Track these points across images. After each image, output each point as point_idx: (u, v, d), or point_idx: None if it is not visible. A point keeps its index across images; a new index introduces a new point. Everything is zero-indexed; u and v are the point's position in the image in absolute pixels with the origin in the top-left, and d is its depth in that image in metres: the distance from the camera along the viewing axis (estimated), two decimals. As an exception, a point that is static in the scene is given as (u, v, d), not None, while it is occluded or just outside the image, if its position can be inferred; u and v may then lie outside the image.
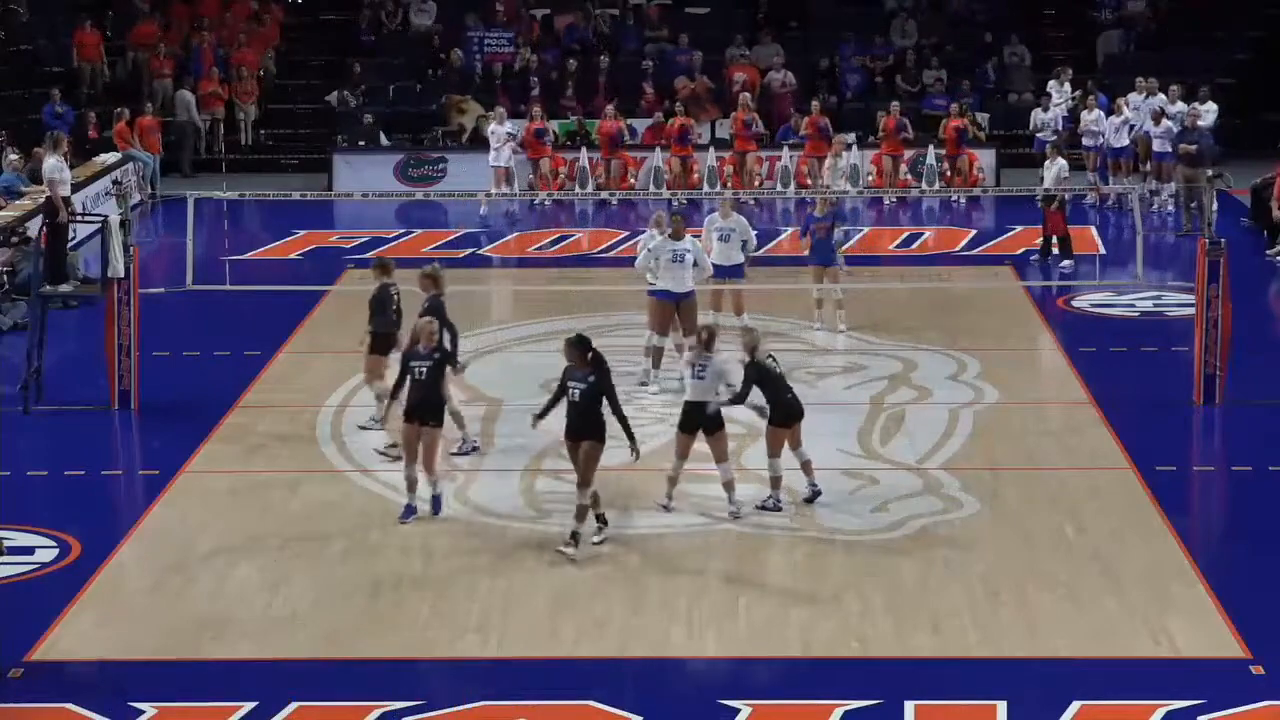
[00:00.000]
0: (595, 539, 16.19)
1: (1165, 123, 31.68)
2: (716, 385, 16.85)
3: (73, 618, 14.91)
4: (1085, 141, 33.16)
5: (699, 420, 16.92)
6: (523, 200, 33.07)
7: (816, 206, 23.93)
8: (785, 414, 17.08)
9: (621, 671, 13.98)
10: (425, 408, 16.59)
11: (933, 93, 37.13)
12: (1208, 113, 31.86)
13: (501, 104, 34.62)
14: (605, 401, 16.03)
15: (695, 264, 20.93)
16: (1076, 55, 38.32)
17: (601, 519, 16.31)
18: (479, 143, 35.44)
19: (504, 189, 32.51)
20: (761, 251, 27.69)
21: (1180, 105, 32.42)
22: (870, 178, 34.21)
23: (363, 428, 19.55)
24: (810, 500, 17.26)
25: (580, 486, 16.04)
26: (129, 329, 20.33)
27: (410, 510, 16.81)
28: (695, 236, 21.74)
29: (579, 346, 16.10)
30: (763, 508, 17.06)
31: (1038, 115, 33.94)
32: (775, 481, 17.17)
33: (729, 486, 17.01)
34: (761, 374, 17.07)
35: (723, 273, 22.02)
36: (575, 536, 15.98)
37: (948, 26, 39.57)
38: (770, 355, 17.31)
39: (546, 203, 33.47)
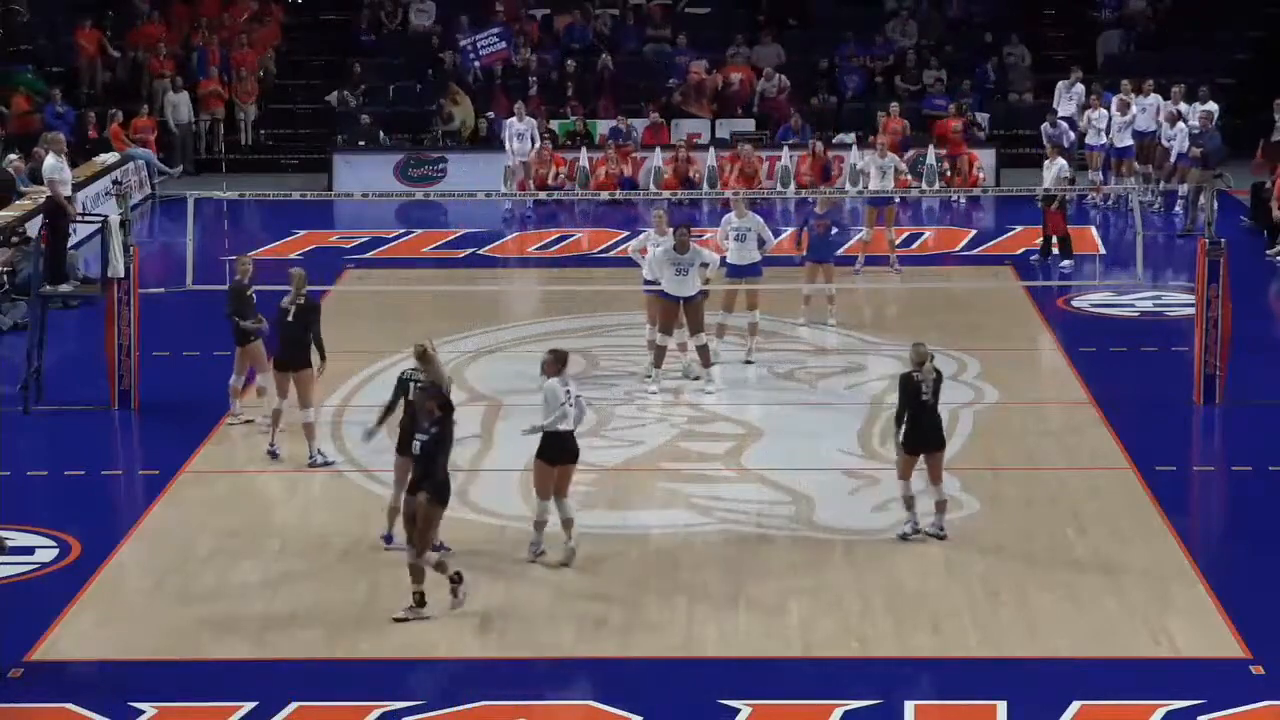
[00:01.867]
0: (456, 602, 14.77)
1: (1180, 125, 31.65)
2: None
3: (73, 618, 14.90)
4: (1089, 140, 33.12)
5: (567, 451, 15.73)
6: (521, 201, 33.03)
7: (818, 204, 23.98)
8: (913, 440, 16.19)
9: (621, 671, 13.98)
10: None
11: (933, 93, 37.12)
12: (1210, 112, 31.85)
13: (501, 105, 34.65)
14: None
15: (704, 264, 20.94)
16: (1076, 55, 38.29)
17: (456, 577, 14.80)
18: (479, 143, 35.45)
19: (519, 182, 32.55)
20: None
21: (1183, 105, 32.42)
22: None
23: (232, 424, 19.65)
24: (937, 536, 16.29)
25: (414, 545, 14.59)
26: (129, 329, 20.33)
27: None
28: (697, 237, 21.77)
29: (436, 397, 14.83)
30: (902, 535, 16.32)
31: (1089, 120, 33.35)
32: (908, 502, 16.32)
33: (569, 525, 15.80)
34: (909, 392, 16.19)
35: (740, 271, 22.00)
36: (422, 598, 14.62)
37: (948, 26, 39.55)
38: (926, 381, 16.10)
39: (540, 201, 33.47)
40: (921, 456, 16.29)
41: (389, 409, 16.22)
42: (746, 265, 22.01)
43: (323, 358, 18.50)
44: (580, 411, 15.78)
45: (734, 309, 22.13)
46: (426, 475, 14.60)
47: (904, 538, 16.33)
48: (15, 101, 34.75)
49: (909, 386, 16.22)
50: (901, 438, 16.27)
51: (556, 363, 15.75)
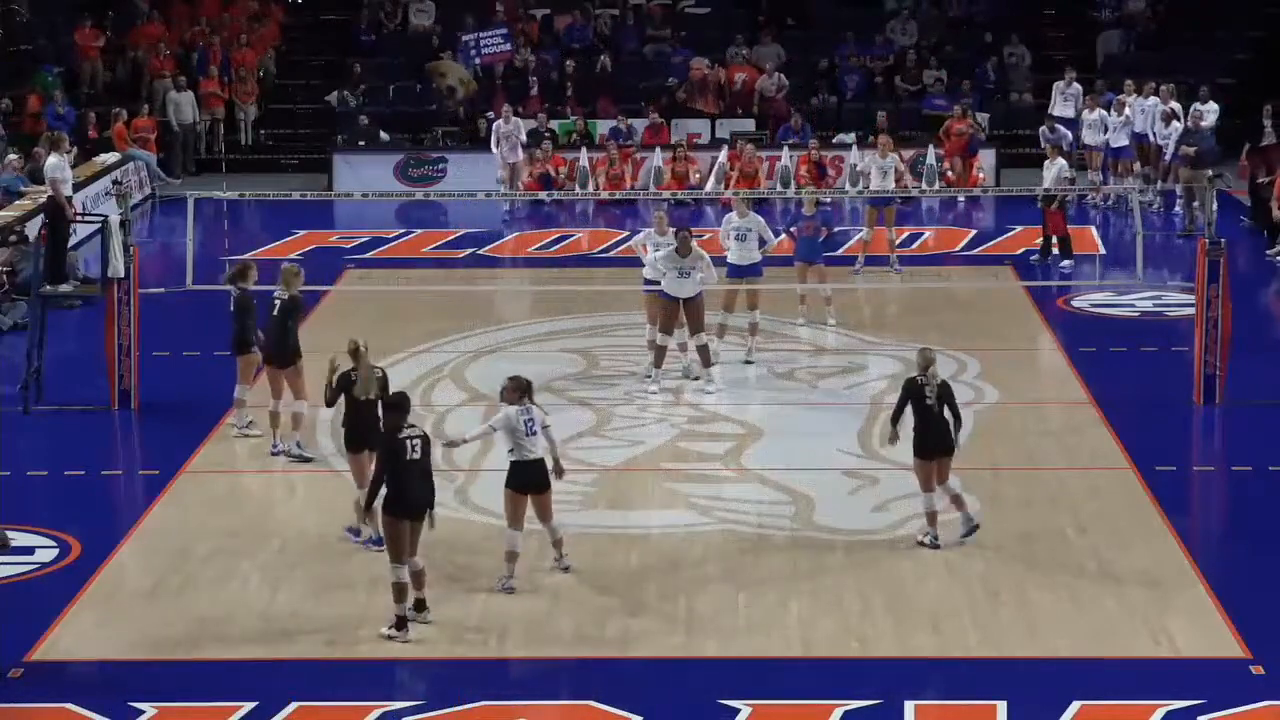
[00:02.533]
0: (426, 619, 14.65)
1: (1175, 124, 31.64)
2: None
3: (73, 618, 14.91)
4: (1087, 140, 33.08)
5: (534, 479, 15.37)
6: (519, 203, 33.02)
7: (804, 205, 24.01)
8: (923, 445, 16.16)
9: (621, 671, 13.98)
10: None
11: (933, 93, 37.12)
12: (1209, 113, 31.82)
13: (500, 104, 34.65)
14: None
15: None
16: (1076, 55, 38.30)
17: (420, 604, 14.60)
18: (479, 143, 35.42)
19: (514, 185, 32.53)
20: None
21: (1176, 105, 32.44)
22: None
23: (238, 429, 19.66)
24: (966, 535, 16.24)
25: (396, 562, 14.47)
26: (129, 329, 20.34)
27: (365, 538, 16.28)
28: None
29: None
30: (920, 544, 16.30)
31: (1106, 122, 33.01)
32: (930, 517, 16.26)
33: (558, 545, 15.72)
34: (912, 395, 16.17)
35: (741, 271, 22.00)
36: (403, 622, 14.39)
37: (948, 26, 39.55)
38: (930, 385, 16.07)
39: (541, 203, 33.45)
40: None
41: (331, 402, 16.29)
42: (748, 265, 22.00)
43: (298, 355, 18.66)
44: (550, 442, 15.34)
45: (734, 309, 22.12)
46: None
47: (921, 544, 16.28)
48: (30, 101, 34.76)
49: (912, 390, 16.22)
50: (912, 444, 16.26)
51: (515, 390, 15.35)
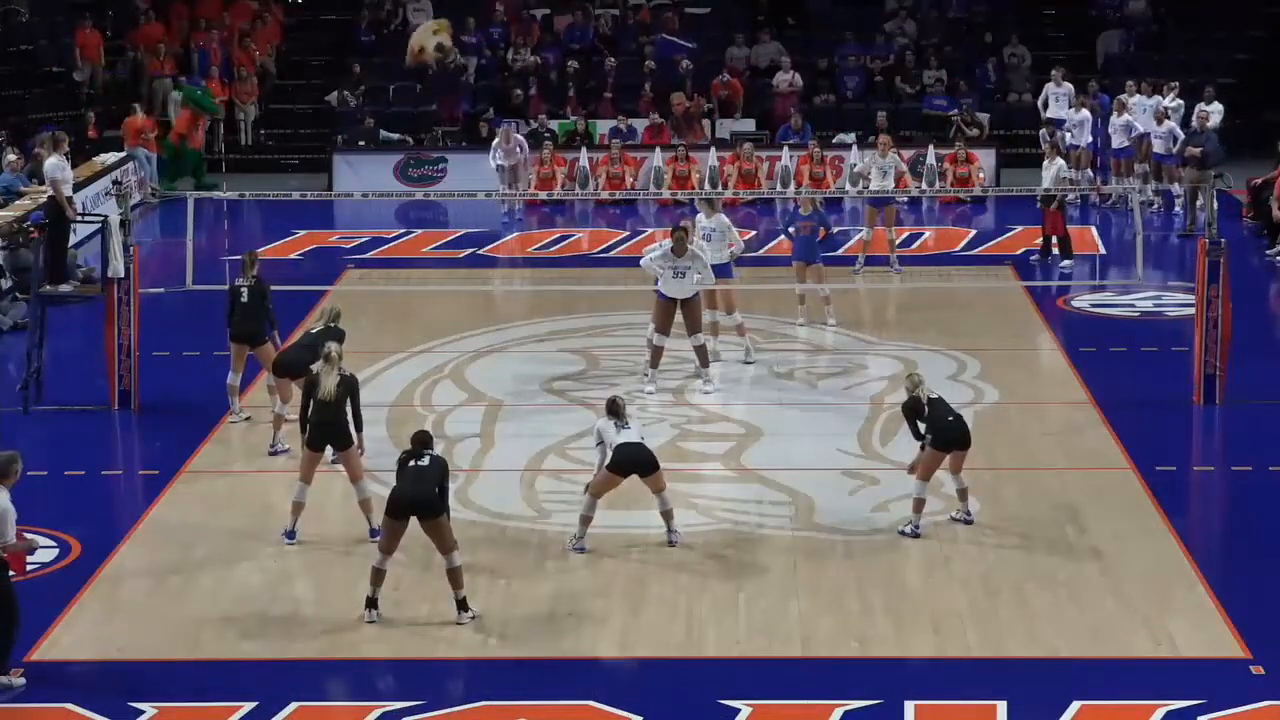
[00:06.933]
0: (468, 616, 14.76)
1: (1168, 123, 31.61)
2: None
3: (73, 618, 14.93)
4: (1071, 140, 32.90)
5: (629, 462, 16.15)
6: (520, 204, 32.99)
7: (801, 205, 24.01)
8: (944, 439, 16.39)
9: (621, 671, 13.99)
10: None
11: (933, 93, 37.10)
12: (1214, 113, 31.79)
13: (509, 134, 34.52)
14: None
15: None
16: (1076, 55, 38.30)
17: (462, 604, 14.74)
18: (479, 143, 35.40)
19: (515, 187, 32.46)
20: (761, 251, 27.72)
21: (1179, 102, 32.40)
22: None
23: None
24: (966, 521, 16.73)
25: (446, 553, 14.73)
26: (129, 329, 20.34)
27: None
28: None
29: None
30: (901, 532, 16.53)
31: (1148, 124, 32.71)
32: (916, 505, 16.51)
33: (668, 516, 16.32)
34: (917, 409, 16.48)
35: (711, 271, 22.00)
36: (463, 603, 14.76)
37: (948, 26, 39.54)
38: (923, 394, 16.46)
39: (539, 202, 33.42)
40: (947, 457, 16.53)
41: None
42: (716, 265, 21.83)
43: (274, 326, 19.57)
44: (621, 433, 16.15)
45: (716, 307, 22.04)
46: None
47: (903, 534, 16.42)
48: (179, 120, 34.86)
49: (916, 406, 16.47)
50: (930, 439, 16.43)
51: (609, 412, 16.22)
